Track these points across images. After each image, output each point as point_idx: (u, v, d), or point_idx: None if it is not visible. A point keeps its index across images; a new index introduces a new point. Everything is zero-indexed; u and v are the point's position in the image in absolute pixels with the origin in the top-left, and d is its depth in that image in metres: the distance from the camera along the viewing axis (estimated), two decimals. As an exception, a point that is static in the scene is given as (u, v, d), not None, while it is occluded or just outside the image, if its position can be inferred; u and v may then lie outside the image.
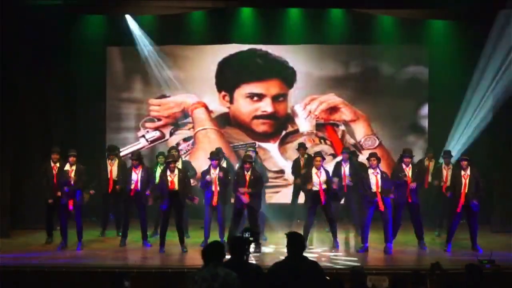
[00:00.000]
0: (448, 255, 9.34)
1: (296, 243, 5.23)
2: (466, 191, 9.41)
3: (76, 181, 9.58)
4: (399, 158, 10.13)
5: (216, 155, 9.97)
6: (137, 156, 10.12)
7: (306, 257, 5.26)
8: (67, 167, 9.67)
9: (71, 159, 9.65)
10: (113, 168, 10.66)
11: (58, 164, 10.08)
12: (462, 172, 9.53)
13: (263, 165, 11.35)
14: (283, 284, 5.09)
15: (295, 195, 11.23)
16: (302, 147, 11.29)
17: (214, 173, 9.78)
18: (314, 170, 9.73)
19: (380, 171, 9.55)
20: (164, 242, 9.52)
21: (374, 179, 9.39)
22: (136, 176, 9.87)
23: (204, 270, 4.86)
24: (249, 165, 9.52)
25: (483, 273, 6.02)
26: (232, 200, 10.15)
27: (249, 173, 9.49)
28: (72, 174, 9.59)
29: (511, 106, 11.33)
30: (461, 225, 9.85)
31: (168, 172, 9.48)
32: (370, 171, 9.50)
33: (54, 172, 10.06)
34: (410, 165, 9.76)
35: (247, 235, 5.70)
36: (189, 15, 12.42)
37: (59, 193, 9.68)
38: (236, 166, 10.99)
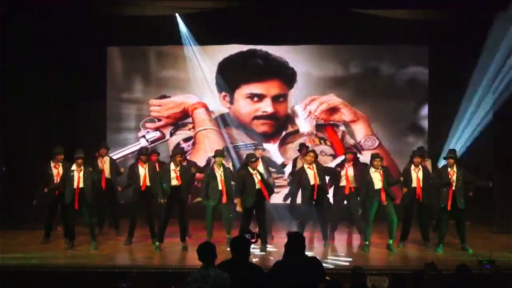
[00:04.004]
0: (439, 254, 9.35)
1: (297, 242, 5.31)
2: (453, 188, 9.42)
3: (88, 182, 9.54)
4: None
5: (221, 154, 9.98)
6: (145, 152, 10.30)
7: (305, 255, 5.35)
8: (73, 167, 9.58)
9: (79, 161, 9.54)
10: (105, 167, 10.65)
11: (60, 164, 9.99)
12: (449, 170, 9.54)
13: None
14: (285, 282, 5.13)
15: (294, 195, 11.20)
16: (303, 147, 11.23)
17: (220, 172, 9.77)
18: (306, 166, 9.85)
19: (383, 168, 9.69)
20: (162, 238, 9.58)
21: (378, 176, 9.51)
22: (144, 171, 9.96)
23: (196, 271, 4.90)
24: (256, 163, 9.52)
25: (473, 274, 6.06)
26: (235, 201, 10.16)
27: (255, 171, 9.50)
28: (81, 174, 9.51)
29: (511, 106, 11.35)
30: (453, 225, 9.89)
31: (173, 166, 9.50)
32: (372, 170, 9.62)
33: (55, 172, 9.98)
34: (420, 166, 9.77)
35: (248, 236, 5.73)
36: (190, 15, 12.41)
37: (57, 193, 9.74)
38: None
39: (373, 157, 9.79)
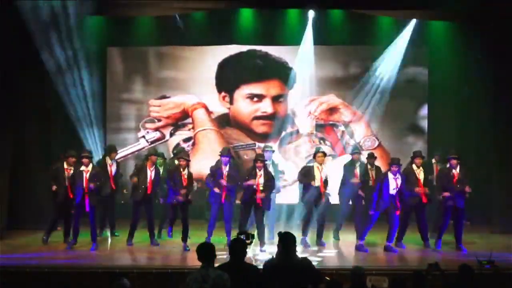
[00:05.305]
0: (439, 254, 9.31)
1: (287, 242, 5.39)
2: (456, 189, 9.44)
3: (93, 182, 9.53)
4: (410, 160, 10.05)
5: (227, 152, 9.98)
6: (154, 153, 10.31)
7: (295, 255, 5.44)
8: (82, 168, 9.59)
9: (85, 160, 9.58)
10: (112, 168, 10.66)
11: (72, 167, 9.99)
12: (453, 171, 9.54)
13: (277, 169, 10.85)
14: (276, 280, 5.17)
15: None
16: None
17: (225, 170, 9.79)
18: (315, 165, 9.83)
19: (401, 175, 9.54)
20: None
21: (394, 183, 9.41)
22: (150, 173, 10.00)
23: (195, 272, 4.91)
24: (262, 164, 9.56)
25: (475, 274, 6.07)
26: (237, 201, 10.16)
27: (261, 172, 9.53)
28: (87, 175, 9.52)
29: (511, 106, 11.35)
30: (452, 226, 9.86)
31: (181, 169, 9.61)
32: (391, 175, 9.47)
33: (67, 174, 9.97)
34: (421, 167, 9.74)
35: (242, 237, 5.74)
36: (190, 16, 12.42)
37: (71, 195, 9.77)
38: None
39: (393, 162, 9.61)
